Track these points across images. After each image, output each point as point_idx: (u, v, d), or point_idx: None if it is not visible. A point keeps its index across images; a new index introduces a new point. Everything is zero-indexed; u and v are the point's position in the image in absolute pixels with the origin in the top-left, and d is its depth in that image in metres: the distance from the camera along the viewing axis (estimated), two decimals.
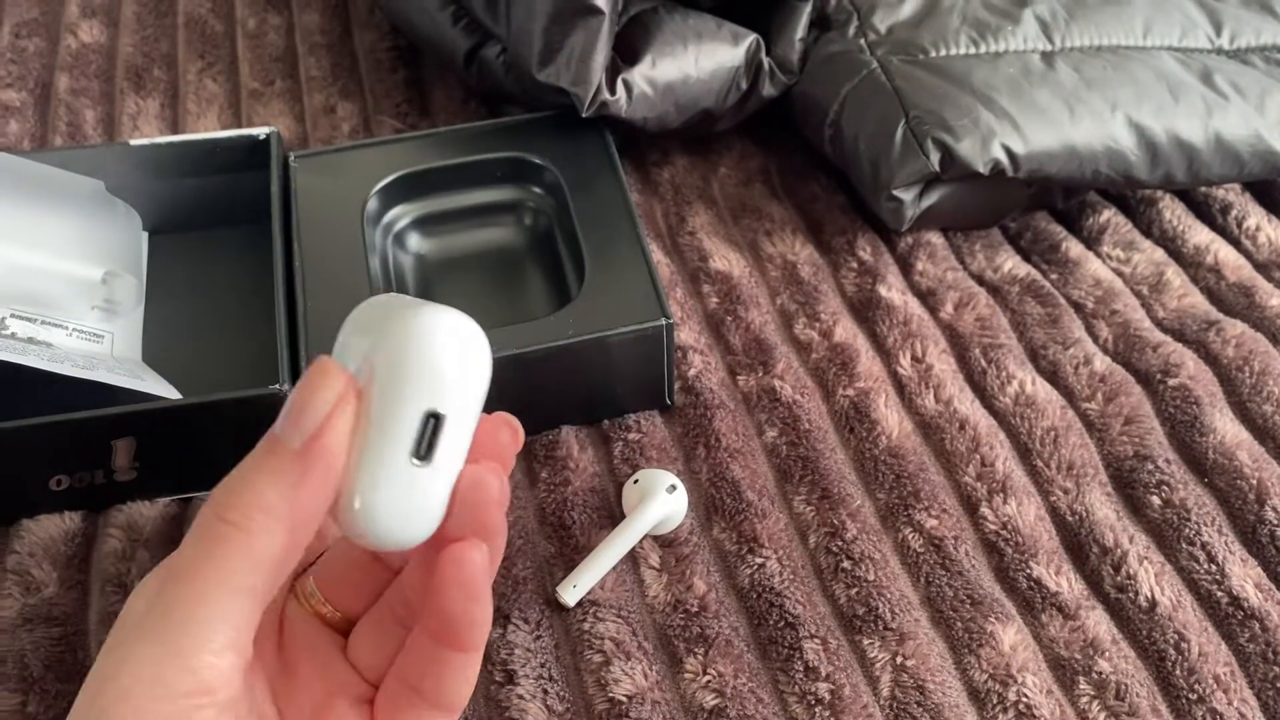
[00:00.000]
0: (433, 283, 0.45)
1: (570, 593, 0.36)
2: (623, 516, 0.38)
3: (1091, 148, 0.43)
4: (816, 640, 0.35)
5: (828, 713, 0.33)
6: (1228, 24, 0.49)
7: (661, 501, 0.37)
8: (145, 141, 0.44)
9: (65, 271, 0.43)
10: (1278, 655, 0.35)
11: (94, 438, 0.37)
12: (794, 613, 0.36)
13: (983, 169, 0.42)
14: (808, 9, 0.48)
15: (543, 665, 0.35)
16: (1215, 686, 0.34)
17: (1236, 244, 0.49)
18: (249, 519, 0.23)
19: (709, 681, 0.34)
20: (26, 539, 0.38)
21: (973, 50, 0.46)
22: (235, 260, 0.46)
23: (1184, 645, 0.35)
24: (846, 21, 0.48)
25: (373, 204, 0.45)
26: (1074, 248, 0.48)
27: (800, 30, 0.48)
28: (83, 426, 0.36)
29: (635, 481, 0.38)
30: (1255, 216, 0.50)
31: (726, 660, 0.35)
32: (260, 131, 0.45)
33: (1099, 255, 0.48)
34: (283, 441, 0.23)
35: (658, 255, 0.47)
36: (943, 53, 0.46)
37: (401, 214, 0.46)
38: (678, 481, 0.38)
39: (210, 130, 0.52)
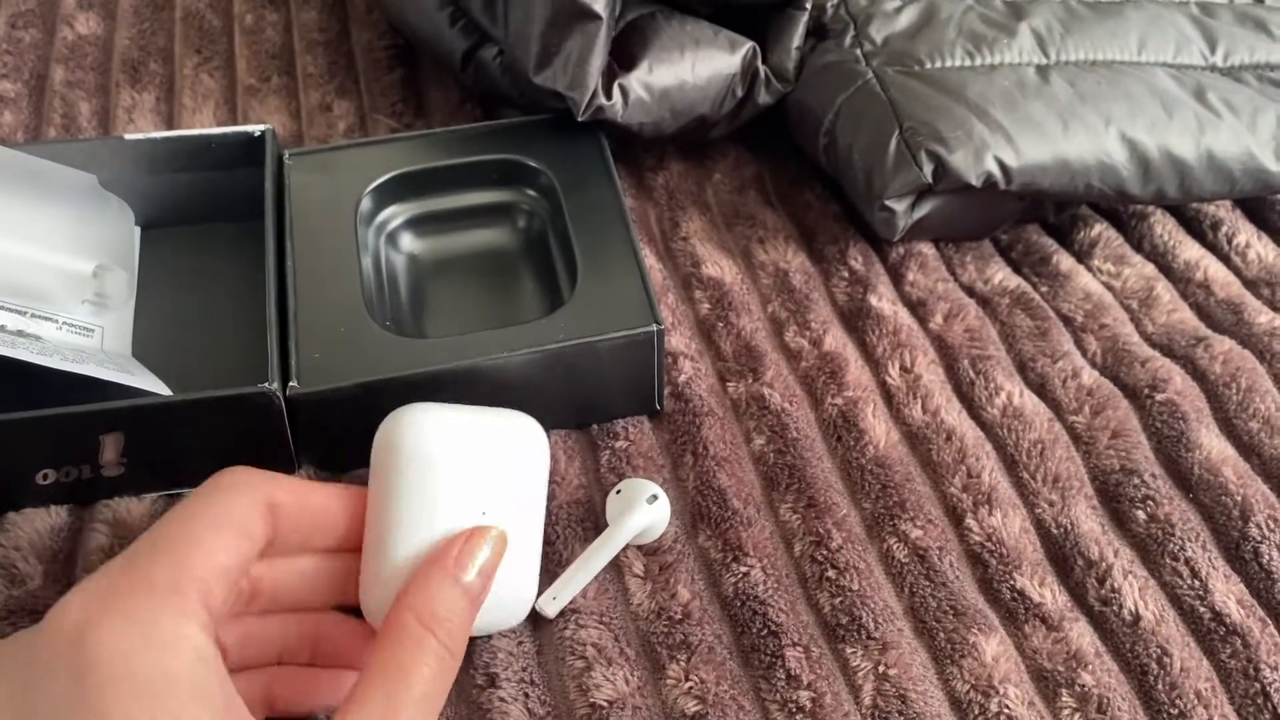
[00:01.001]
0: (425, 283, 0.45)
1: (551, 605, 0.36)
2: (606, 527, 0.38)
3: (1084, 162, 0.44)
4: (799, 649, 0.35)
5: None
6: (1222, 41, 0.49)
7: (642, 512, 0.37)
8: (140, 136, 0.44)
9: (56, 265, 0.43)
10: (1259, 672, 0.35)
11: (82, 432, 0.37)
12: (777, 621, 0.36)
13: (975, 181, 0.42)
14: (804, 18, 0.48)
15: (524, 670, 0.35)
16: (1196, 702, 0.35)
17: (1226, 260, 0.49)
18: (452, 639, 0.30)
19: (691, 688, 0.34)
20: (12, 532, 0.37)
21: (968, 63, 0.46)
22: (227, 256, 0.45)
23: (1166, 660, 0.36)
24: (843, 31, 0.48)
25: (366, 203, 0.45)
26: (1065, 261, 0.48)
27: (797, 39, 0.48)
28: (71, 421, 0.36)
29: (618, 492, 0.38)
30: (1245, 233, 0.50)
31: (709, 667, 0.35)
32: (255, 129, 0.45)
33: (1089, 269, 0.49)
34: (463, 580, 0.31)
35: (650, 260, 0.47)
36: (938, 64, 0.46)
37: (395, 214, 0.46)
38: (659, 491, 0.38)
39: (206, 125, 0.53)
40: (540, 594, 0.35)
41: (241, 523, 0.29)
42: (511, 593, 0.34)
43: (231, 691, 0.27)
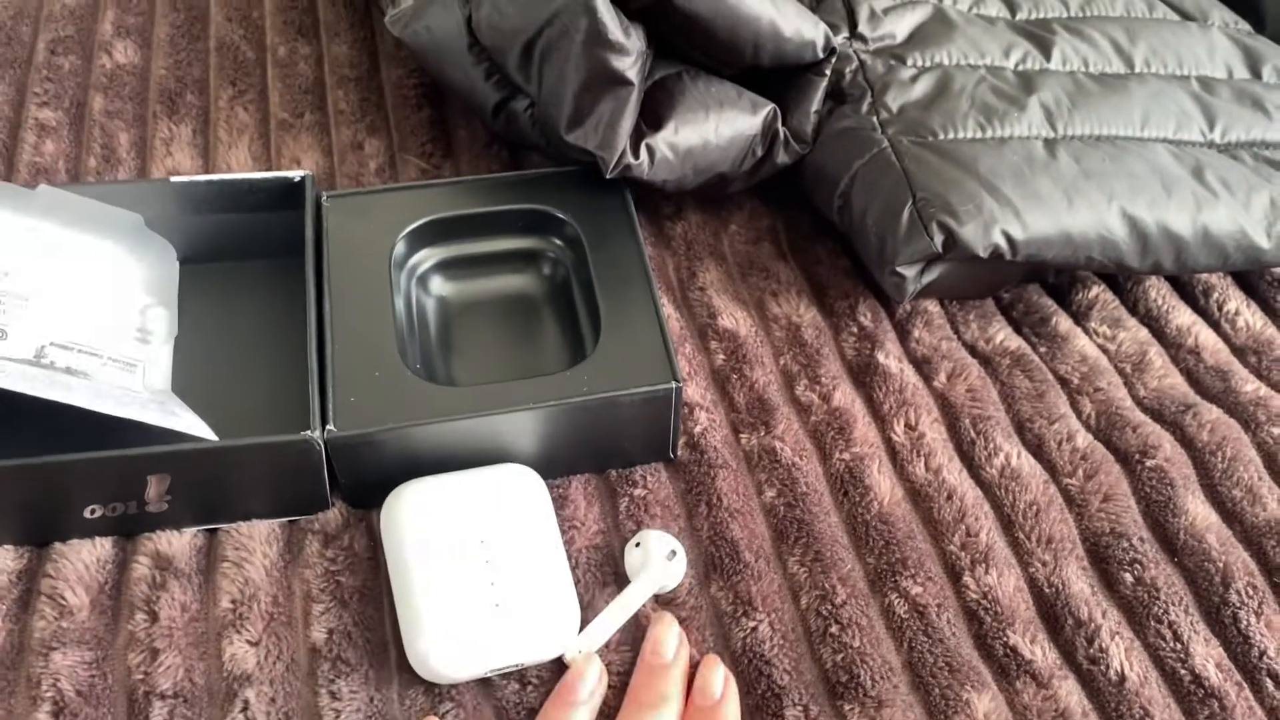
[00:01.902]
0: (453, 325, 0.47)
1: (578, 656, 0.38)
2: (624, 575, 0.40)
3: (1086, 236, 0.46)
4: (799, 708, 0.37)
5: None
6: (1221, 118, 0.51)
7: (663, 569, 0.39)
8: (184, 179, 0.46)
9: (102, 302, 0.44)
10: None
11: (131, 473, 0.39)
12: (780, 683, 0.38)
13: (983, 253, 0.44)
14: (824, 83, 0.50)
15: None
16: None
17: (1216, 327, 0.52)
18: None
19: None
20: (59, 563, 0.39)
21: (980, 134, 0.48)
22: (263, 292, 0.47)
23: None
24: (860, 98, 0.50)
25: (400, 247, 0.46)
26: (1063, 322, 0.51)
27: (816, 103, 0.50)
28: (121, 463, 0.38)
29: (637, 545, 0.40)
30: (1235, 300, 0.52)
31: None
32: (295, 175, 0.46)
33: (1086, 331, 0.51)
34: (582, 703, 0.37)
35: (668, 309, 0.49)
36: (951, 136, 0.48)
37: (426, 257, 0.48)
38: (678, 546, 0.40)
39: (241, 159, 0.54)
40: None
41: None
42: (549, 621, 0.37)
43: None
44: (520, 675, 0.38)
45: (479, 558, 0.38)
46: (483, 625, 0.36)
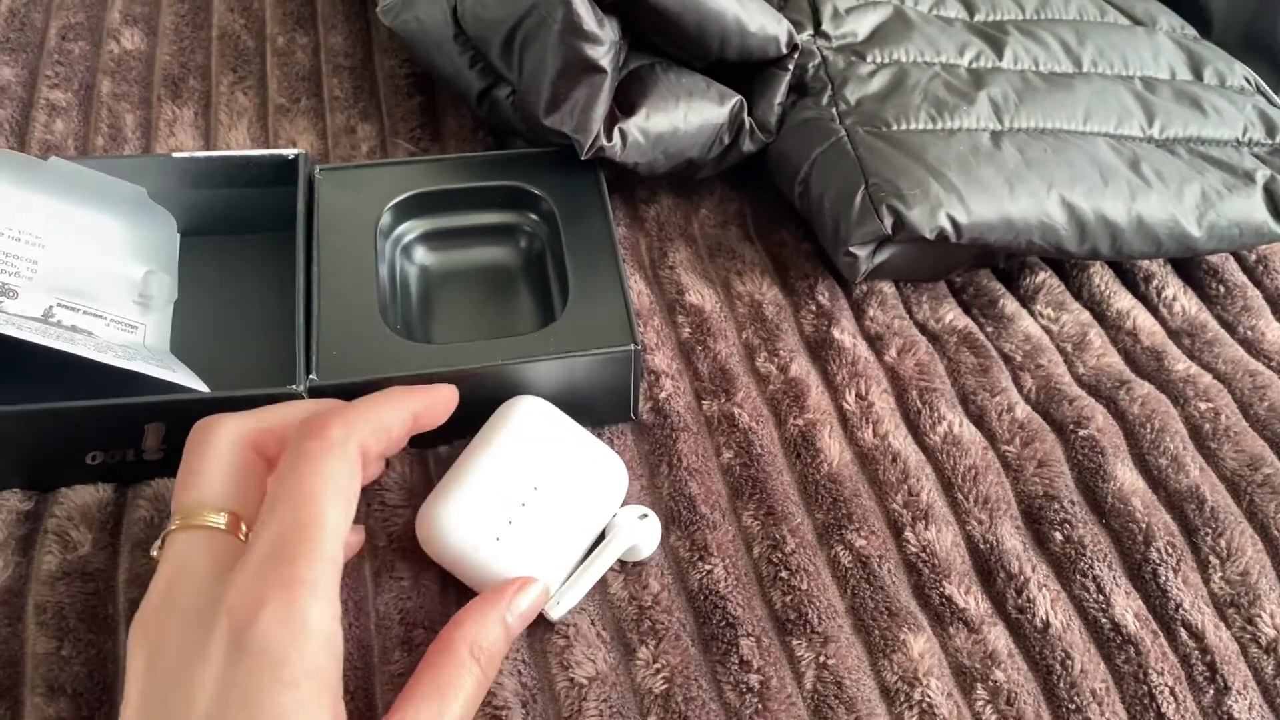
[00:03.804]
0: (433, 292, 0.50)
1: (555, 609, 0.40)
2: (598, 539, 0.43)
3: (1027, 221, 0.49)
4: (752, 639, 0.41)
5: (756, 699, 0.39)
6: (1159, 116, 0.55)
7: (635, 526, 0.42)
8: (186, 155, 0.49)
9: (108, 267, 0.47)
10: (1147, 676, 0.41)
11: (128, 421, 0.41)
12: (734, 614, 0.41)
13: (929, 235, 0.48)
14: (787, 77, 0.53)
15: (517, 650, 0.39)
16: (1091, 699, 0.40)
17: (1154, 311, 0.55)
18: (490, 668, 0.37)
19: (659, 669, 0.39)
20: (65, 504, 0.42)
21: (930, 126, 0.51)
22: (258, 263, 0.50)
23: (1069, 662, 0.41)
24: (821, 91, 0.53)
25: (386, 218, 0.49)
26: (1010, 304, 0.54)
27: (779, 95, 0.53)
28: (120, 411, 0.41)
29: (614, 516, 0.43)
30: (1173, 287, 0.56)
31: (675, 652, 0.40)
32: (290, 152, 0.49)
33: (1032, 313, 0.54)
34: (509, 620, 0.38)
35: (639, 286, 0.52)
36: (903, 127, 0.51)
37: (411, 229, 0.51)
38: (650, 511, 0.43)
39: (240, 141, 0.57)
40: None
41: (347, 485, 0.34)
42: (537, 569, 0.40)
43: (340, 677, 0.32)
44: None
45: (531, 480, 0.41)
46: (485, 527, 0.40)
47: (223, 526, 0.34)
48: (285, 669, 0.30)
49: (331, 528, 0.32)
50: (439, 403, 0.40)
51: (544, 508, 0.41)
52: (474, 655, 0.36)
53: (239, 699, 0.29)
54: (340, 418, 0.35)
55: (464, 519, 0.40)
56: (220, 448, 0.36)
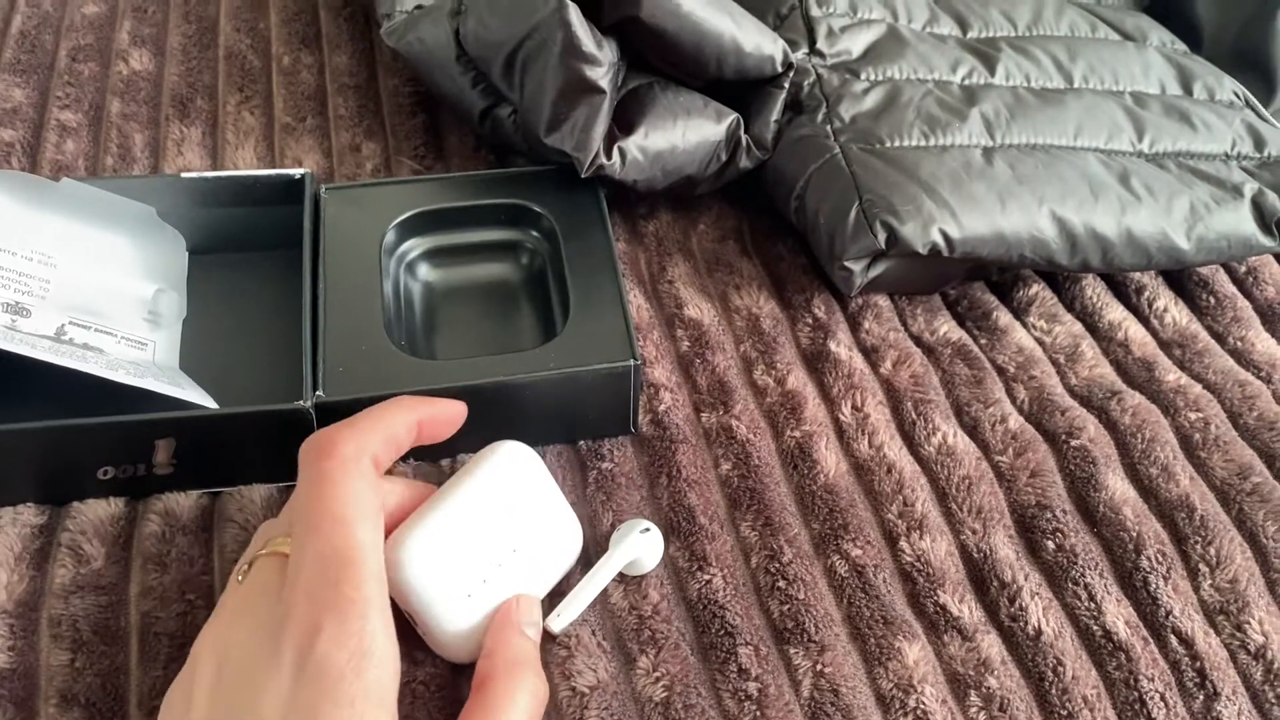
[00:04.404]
0: (437, 308, 0.51)
1: (556, 621, 0.41)
2: (591, 547, 0.44)
3: (1018, 235, 0.50)
4: (750, 647, 0.41)
5: (755, 707, 0.40)
6: (1149, 130, 0.55)
7: (637, 539, 0.43)
8: (194, 175, 0.50)
9: (118, 286, 0.48)
10: (1138, 682, 0.41)
11: (139, 437, 0.42)
12: (733, 623, 0.42)
13: (922, 249, 0.49)
14: (783, 95, 0.54)
15: None
16: (1083, 705, 0.41)
17: (1146, 322, 0.56)
18: (540, 676, 0.38)
19: (658, 678, 0.40)
20: (78, 519, 0.43)
21: (923, 142, 0.52)
22: (265, 281, 0.51)
23: (1060, 669, 0.42)
24: (816, 108, 0.54)
25: (390, 235, 0.50)
26: (1003, 317, 0.55)
27: (776, 113, 0.54)
28: (131, 427, 0.42)
29: (617, 530, 0.43)
30: (1164, 299, 0.56)
31: (674, 660, 0.41)
32: (296, 172, 0.51)
33: (1025, 325, 0.55)
34: (529, 632, 0.39)
35: (639, 300, 0.53)
36: (897, 144, 0.52)
37: (414, 246, 0.52)
38: (652, 525, 0.44)
39: (247, 159, 0.59)
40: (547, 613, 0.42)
41: (371, 502, 0.35)
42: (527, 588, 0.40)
43: (395, 691, 0.33)
44: None
45: (510, 542, 0.40)
46: (458, 584, 0.39)
47: (288, 552, 0.35)
48: (342, 688, 0.31)
49: (369, 545, 0.33)
50: (445, 416, 0.41)
51: (516, 570, 0.40)
52: (516, 673, 0.36)
53: (300, 716, 0.31)
54: (350, 433, 0.36)
55: (442, 571, 0.38)
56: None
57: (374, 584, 0.33)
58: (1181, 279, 0.58)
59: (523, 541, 0.40)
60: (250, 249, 0.52)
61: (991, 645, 0.42)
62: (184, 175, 0.50)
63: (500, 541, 0.39)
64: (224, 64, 0.64)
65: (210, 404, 0.44)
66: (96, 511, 0.44)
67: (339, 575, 0.32)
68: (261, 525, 0.38)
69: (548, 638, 0.41)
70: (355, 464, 0.35)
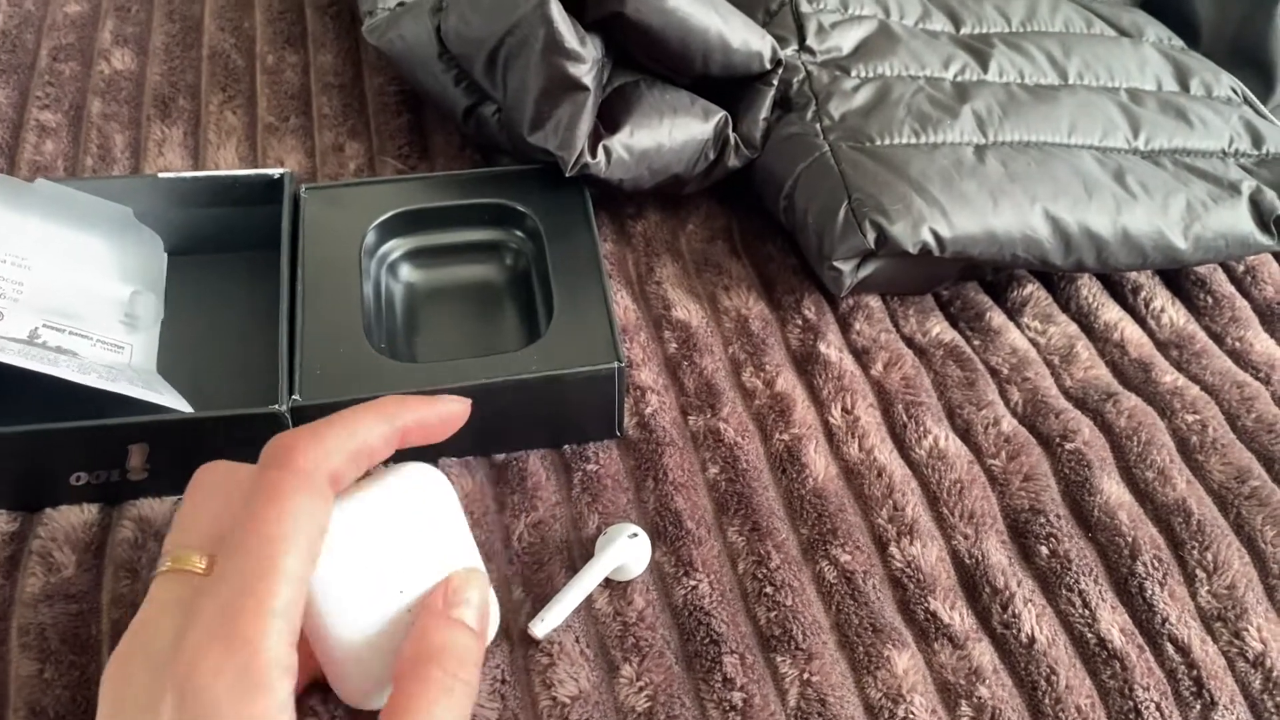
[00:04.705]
0: (419, 310, 0.50)
1: (540, 626, 0.40)
2: (576, 548, 0.43)
3: (1011, 235, 0.49)
4: (735, 655, 0.40)
5: (739, 717, 0.39)
6: (1145, 127, 0.55)
7: (624, 545, 0.42)
8: (172, 175, 0.49)
9: (94, 288, 0.48)
10: (1133, 691, 0.40)
11: (113, 442, 0.41)
12: (719, 631, 0.41)
13: (912, 249, 0.48)
14: (772, 93, 0.53)
15: (497, 666, 0.40)
16: (1077, 715, 0.40)
17: (1142, 323, 0.55)
18: (462, 667, 0.33)
19: (641, 688, 0.39)
20: (49, 525, 0.42)
21: (914, 141, 0.51)
22: (244, 282, 0.50)
23: (1054, 678, 0.41)
24: (805, 106, 0.53)
25: (371, 236, 0.49)
26: (997, 317, 0.54)
27: (764, 110, 0.53)
28: (103, 432, 0.41)
29: (604, 534, 0.43)
30: (1161, 299, 0.56)
31: (658, 670, 0.40)
32: (275, 171, 0.50)
33: (1019, 326, 0.54)
34: (456, 616, 0.34)
35: (626, 301, 0.53)
36: (887, 142, 0.51)
37: (396, 246, 0.51)
38: (640, 530, 0.43)
39: (229, 160, 0.58)
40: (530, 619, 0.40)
41: (312, 523, 0.31)
42: None
43: None
44: None
45: (395, 590, 0.35)
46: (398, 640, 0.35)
47: (201, 569, 0.32)
48: None
49: (289, 576, 0.30)
50: (437, 418, 0.37)
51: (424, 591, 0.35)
52: (427, 661, 0.33)
53: None
54: (312, 441, 0.33)
55: (375, 679, 0.35)
56: (207, 485, 0.35)
57: (276, 622, 0.30)
58: (1179, 279, 0.57)
59: (413, 579, 0.35)
60: (229, 250, 0.51)
61: (983, 654, 0.41)
62: (162, 175, 0.49)
63: (392, 580, 0.35)
64: (207, 63, 0.63)
65: (185, 408, 0.43)
66: (69, 518, 0.43)
67: (242, 606, 0.30)
68: (174, 521, 0.34)
69: (529, 643, 0.40)
70: (307, 479, 0.32)
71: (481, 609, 0.35)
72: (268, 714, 0.29)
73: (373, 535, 0.35)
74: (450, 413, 0.37)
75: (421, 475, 0.36)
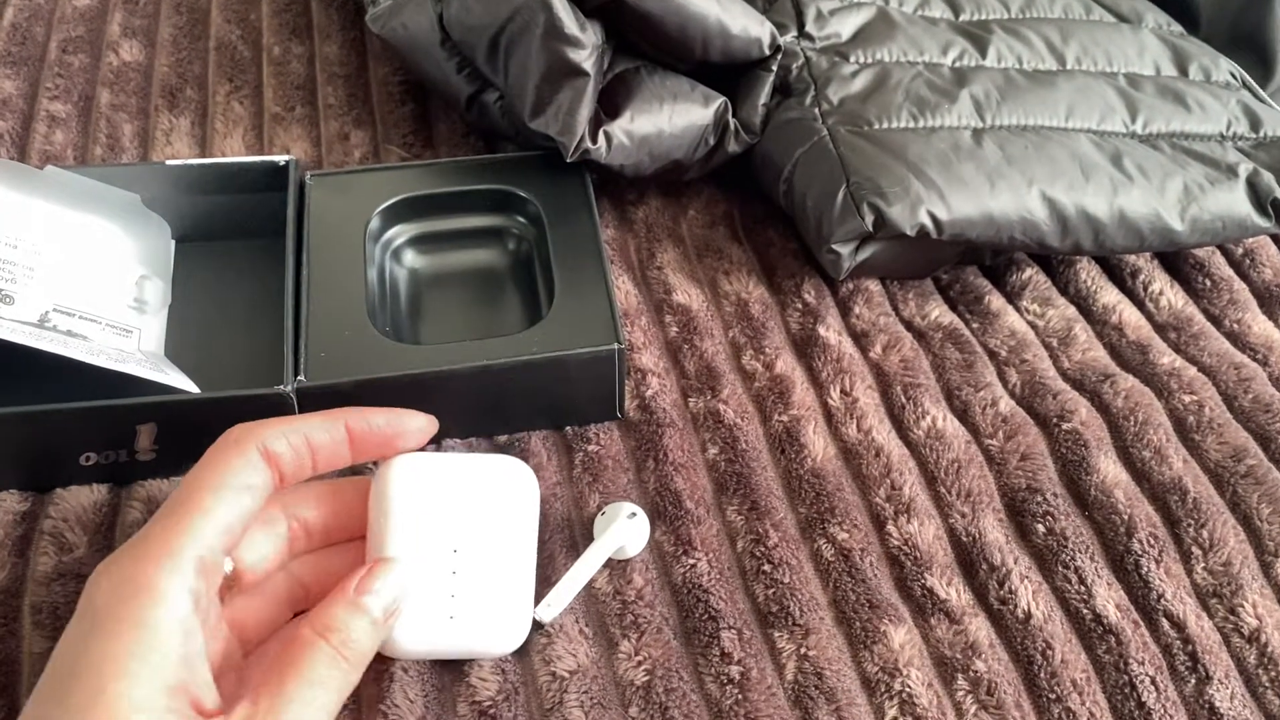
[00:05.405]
0: (422, 294, 0.51)
1: (546, 611, 0.40)
2: (577, 530, 0.43)
3: (1008, 217, 0.49)
4: (733, 631, 0.41)
5: (736, 690, 0.39)
6: (1143, 111, 0.55)
7: (624, 526, 0.42)
8: (179, 162, 0.50)
9: (103, 273, 0.48)
10: (1128, 666, 0.41)
11: (121, 422, 0.42)
12: (717, 608, 0.42)
13: (910, 231, 0.48)
14: (771, 78, 0.53)
15: None
16: (1072, 689, 0.40)
17: (1140, 305, 0.55)
18: (346, 647, 0.34)
19: (640, 662, 0.40)
20: (61, 506, 0.43)
21: (911, 124, 0.52)
22: (250, 268, 0.51)
23: (1050, 653, 0.41)
24: (804, 91, 0.54)
25: (375, 222, 0.50)
26: (996, 301, 0.54)
27: (763, 96, 0.54)
28: (112, 412, 0.42)
29: (603, 514, 0.43)
30: (1160, 282, 0.56)
31: (657, 645, 0.40)
32: (281, 159, 0.50)
33: (1017, 309, 0.54)
34: (360, 601, 0.36)
35: (628, 286, 0.53)
36: (885, 125, 0.52)
37: (400, 232, 0.52)
38: (639, 510, 0.43)
39: (235, 149, 0.58)
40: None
41: (238, 478, 0.34)
42: (502, 619, 0.39)
43: (196, 645, 0.32)
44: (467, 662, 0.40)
45: (448, 546, 0.38)
46: (435, 614, 0.38)
47: None
48: (110, 622, 0.31)
49: (207, 512, 0.33)
50: (391, 425, 0.38)
51: (475, 561, 0.38)
52: (319, 634, 0.34)
53: (68, 651, 0.31)
54: (252, 425, 0.36)
55: (409, 620, 0.37)
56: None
57: (186, 544, 0.32)
58: (1177, 261, 0.57)
59: (459, 534, 0.38)
60: (236, 236, 0.52)
61: (980, 628, 0.42)
62: (169, 163, 0.50)
63: (438, 552, 0.38)
64: (214, 54, 0.64)
65: (192, 389, 0.44)
66: (79, 499, 0.43)
67: (156, 531, 0.33)
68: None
69: (534, 626, 0.41)
70: (236, 445, 0.35)
71: (390, 603, 0.36)
72: (165, 626, 0.31)
73: (449, 489, 0.39)
74: (409, 427, 0.39)
75: (510, 464, 0.40)
